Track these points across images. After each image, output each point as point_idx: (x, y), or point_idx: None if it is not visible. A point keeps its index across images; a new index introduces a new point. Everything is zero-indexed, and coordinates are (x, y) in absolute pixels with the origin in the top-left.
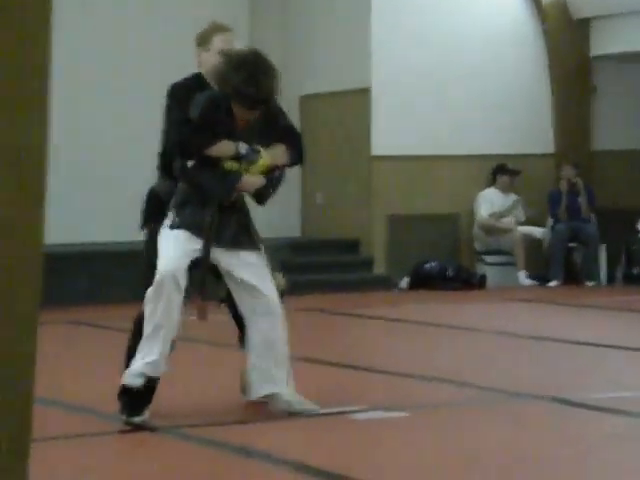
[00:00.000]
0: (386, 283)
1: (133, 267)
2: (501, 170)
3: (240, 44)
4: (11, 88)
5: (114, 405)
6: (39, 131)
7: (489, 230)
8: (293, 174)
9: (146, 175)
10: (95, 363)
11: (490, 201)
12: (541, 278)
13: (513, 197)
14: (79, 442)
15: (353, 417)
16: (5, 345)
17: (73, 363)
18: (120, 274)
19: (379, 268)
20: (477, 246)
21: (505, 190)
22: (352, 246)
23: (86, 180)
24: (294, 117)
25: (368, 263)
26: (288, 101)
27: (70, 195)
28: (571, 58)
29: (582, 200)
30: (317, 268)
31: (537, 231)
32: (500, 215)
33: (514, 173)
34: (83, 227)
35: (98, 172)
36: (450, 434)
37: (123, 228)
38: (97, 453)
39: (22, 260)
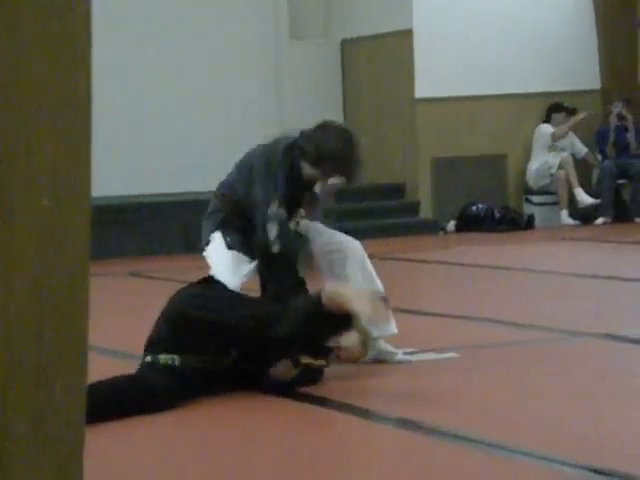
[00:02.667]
0: (432, 227)
1: (184, 219)
2: (556, 108)
3: None
4: (54, 34)
5: None
6: (83, 77)
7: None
8: (336, 119)
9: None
10: (148, 313)
11: (547, 135)
12: (585, 217)
13: (570, 135)
14: None
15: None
16: (57, 290)
17: (127, 313)
18: (172, 226)
19: (425, 212)
20: (531, 182)
21: None
22: (397, 190)
23: (140, 131)
24: (336, 62)
25: (414, 207)
26: (330, 45)
27: (127, 147)
28: None
29: (630, 136)
30: (362, 214)
31: (588, 201)
32: (561, 136)
33: (570, 111)
34: (137, 179)
35: (152, 123)
36: (503, 374)
37: (180, 179)
38: None
39: (70, 210)
